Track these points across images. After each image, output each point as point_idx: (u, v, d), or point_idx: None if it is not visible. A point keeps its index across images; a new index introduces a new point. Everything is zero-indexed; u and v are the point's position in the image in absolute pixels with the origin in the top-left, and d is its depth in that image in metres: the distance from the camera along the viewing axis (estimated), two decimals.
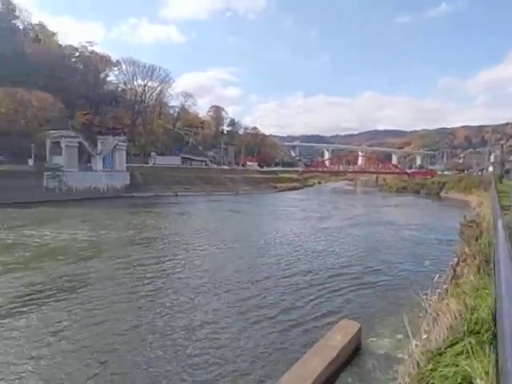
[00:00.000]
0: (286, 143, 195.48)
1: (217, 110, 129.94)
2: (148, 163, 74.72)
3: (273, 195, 75.22)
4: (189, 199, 58.44)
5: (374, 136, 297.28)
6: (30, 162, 52.99)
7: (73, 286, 15.54)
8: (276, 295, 14.92)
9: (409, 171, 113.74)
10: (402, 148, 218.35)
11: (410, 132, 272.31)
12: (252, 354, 10.21)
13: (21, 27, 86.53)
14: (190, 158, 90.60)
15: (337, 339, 9.70)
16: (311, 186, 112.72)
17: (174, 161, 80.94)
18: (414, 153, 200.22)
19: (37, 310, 12.76)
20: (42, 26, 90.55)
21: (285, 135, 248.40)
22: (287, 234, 29.83)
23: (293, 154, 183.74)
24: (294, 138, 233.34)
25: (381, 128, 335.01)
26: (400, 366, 7.46)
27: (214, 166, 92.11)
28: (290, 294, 15.12)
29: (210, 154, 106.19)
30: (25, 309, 12.84)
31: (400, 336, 10.69)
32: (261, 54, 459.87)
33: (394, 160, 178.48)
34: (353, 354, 10.01)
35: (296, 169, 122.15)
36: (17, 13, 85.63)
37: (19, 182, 44.56)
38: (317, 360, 8.68)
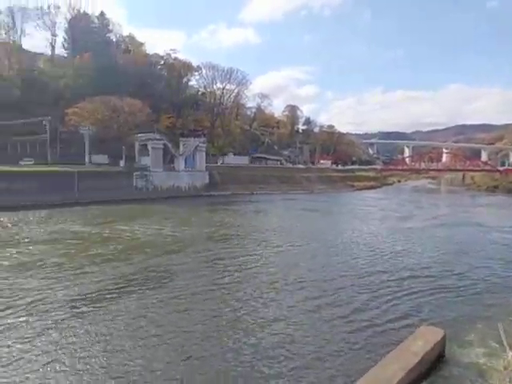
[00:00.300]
0: (364, 140, 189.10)
1: (292, 110, 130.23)
2: (217, 163, 76.13)
3: (349, 194, 73.37)
4: (264, 198, 59.38)
5: (461, 131, 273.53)
6: (122, 163, 58.26)
7: (158, 276, 16.79)
8: (350, 294, 14.61)
9: (501, 168, 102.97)
10: (492, 143, 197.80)
11: (503, 126, 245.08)
12: (326, 352, 10.14)
13: (114, 40, 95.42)
14: (264, 158, 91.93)
15: (418, 345, 9.22)
16: (390, 184, 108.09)
17: (243, 160, 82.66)
18: (507, 148, 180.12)
19: (127, 297, 13.99)
20: (131, 38, 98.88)
21: (361, 132, 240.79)
22: (364, 233, 28.92)
23: (370, 152, 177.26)
24: (371, 135, 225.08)
25: (470, 122, 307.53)
26: (493, 378, 6.87)
27: (289, 165, 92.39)
28: (365, 293, 14.70)
29: (285, 153, 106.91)
30: (116, 296, 14.16)
31: (492, 345, 9.81)
32: (337, 50, 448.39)
33: (484, 157, 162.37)
34: (436, 361, 9.41)
35: (374, 167, 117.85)
36: (110, 27, 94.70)
37: (113, 182, 49.31)
38: (397, 365, 8.35)
